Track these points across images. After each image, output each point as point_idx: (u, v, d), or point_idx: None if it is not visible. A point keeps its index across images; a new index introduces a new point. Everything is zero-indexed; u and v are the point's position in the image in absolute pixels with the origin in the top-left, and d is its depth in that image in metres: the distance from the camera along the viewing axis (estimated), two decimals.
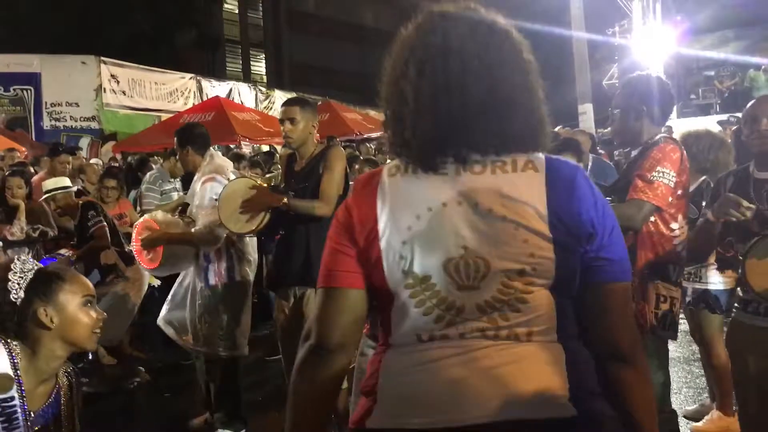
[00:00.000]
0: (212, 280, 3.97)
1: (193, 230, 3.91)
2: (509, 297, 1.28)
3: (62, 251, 5.13)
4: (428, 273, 1.29)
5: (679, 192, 2.84)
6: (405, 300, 1.31)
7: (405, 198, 1.32)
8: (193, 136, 4.20)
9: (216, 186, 3.90)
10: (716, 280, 3.87)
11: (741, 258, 2.55)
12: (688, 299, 4.02)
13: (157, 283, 5.07)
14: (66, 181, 5.39)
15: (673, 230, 2.84)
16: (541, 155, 1.34)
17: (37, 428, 2.05)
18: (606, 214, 1.33)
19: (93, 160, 10.18)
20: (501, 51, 1.34)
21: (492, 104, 1.31)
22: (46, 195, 5.19)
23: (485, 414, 1.23)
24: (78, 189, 5.87)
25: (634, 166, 2.86)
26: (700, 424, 4.01)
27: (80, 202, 5.19)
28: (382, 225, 1.32)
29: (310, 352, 1.37)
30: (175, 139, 4.31)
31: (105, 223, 5.07)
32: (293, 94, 21.13)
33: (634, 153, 3.00)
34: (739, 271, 2.63)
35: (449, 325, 1.29)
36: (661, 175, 2.73)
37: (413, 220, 1.30)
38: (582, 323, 1.34)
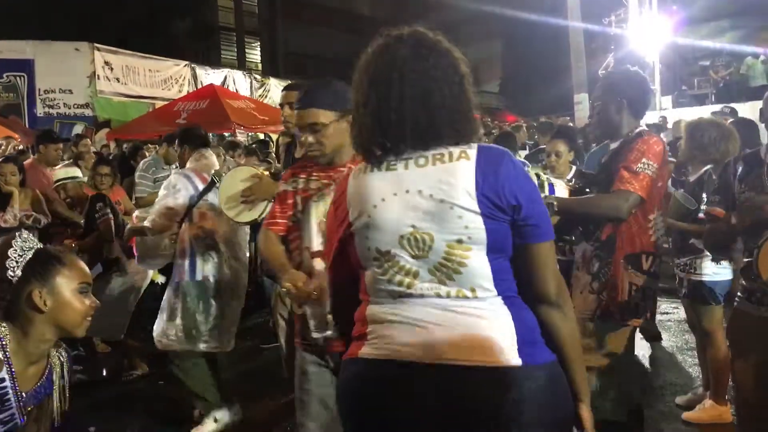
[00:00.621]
0: (199, 275, 3.98)
1: (146, 221, 4.01)
2: (452, 262, 1.62)
3: (67, 242, 5.13)
4: (388, 248, 1.66)
5: (659, 184, 2.88)
6: (374, 270, 1.70)
7: (364, 193, 1.70)
8: (191, 136, 4.36)
9: (182, 180, 4.01)
10: (710, 271, 3.88)
11: (754, 246, 2.57)
12: (683, 291, 4.03)
13: (161, 279, 5.07)
14: (77, 172, 5.47)
15: (649, 221, 2.88)
16: (474, 145, 1.67)
17: (29, 408, 2.05)
18: (528, 187, 1.65)
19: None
20: (436, 67, 1.69)
21: (425, 109, 1.66)
22: (57, 183, 5.20)
23: (448, 356, 1.57)
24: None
25: (616, 158, 2.88)
26: (692, 412, 4.04)
27: (90, 194, 5.25)
28: (351, 217, 1.71)
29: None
30: (176, 137, 4.46)
31: (111, 216, 5.09)
32: (288, 82, 21.02)
33: (613, 145, 2.98)
34: (748, 259, 2.65)
35: (410, 287, 1.65)
36: (645, 166, 2.77)
37: (371, 209, 1.68)
38: (518, 278, 1.67)
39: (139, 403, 4.48)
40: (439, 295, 1.63)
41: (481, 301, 1.61)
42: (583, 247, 2.92)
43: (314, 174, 2.62)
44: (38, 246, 2.05)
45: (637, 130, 2.94)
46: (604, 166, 2.98)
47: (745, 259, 2.79)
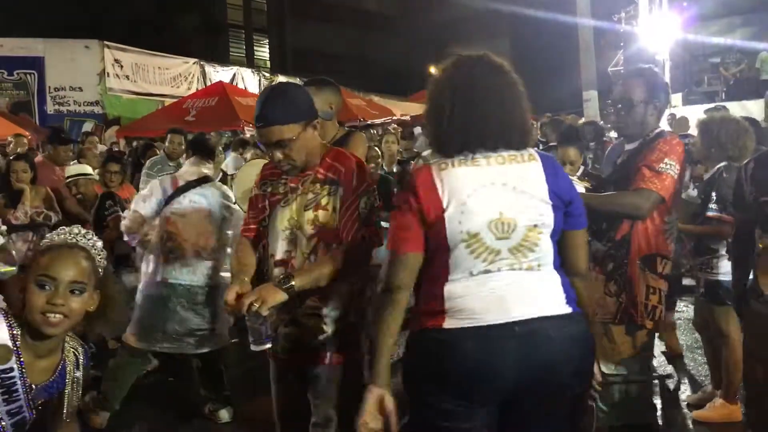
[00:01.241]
0: (159, 277, 4.05)
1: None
2: (529, 242, 1.98)
3: None
4: (477, 231, 1.96)
5: (678, 186, 2.85)
6: (462, 250, 1.97)
7: (458, 183, 1.98)
8: (199, 145, 4.54)
9: (156, 187, 4.15)
10: (727, 271, 3.79)
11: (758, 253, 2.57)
12: (701, 290, 3.99)
13: None
14: (88, 169, 5.53)
15: (666, 223, 2.85)
16: (534, 152, 2.06)
17: (40, 402, 2.04)
18: (574, 187, 2.12)
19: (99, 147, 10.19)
20: (505, 83, 2.07)
21: (499, 117, 2.01)
22: (69, 179, 5.24)
23: (519, 314, 1.93)
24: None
25: (635, 157, 2.83)
26: (703, 411, 4.02)
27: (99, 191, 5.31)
28: (445, 202, 1.97)
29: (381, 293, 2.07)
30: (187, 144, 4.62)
31: (121, 214, 5.12)
32: (296, 79, 21.08)
33: (630, 146, 2.94)
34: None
35: (491, 263, 1.96)
36: (668, 167, 2.73)
37: (465, 197, 1.96)
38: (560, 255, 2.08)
39: (148, 398, 4.50)
40: (512, 269, 1.97)
41: (544, 272, 2.01)
42: (594, 247, 2.82)
43: (283, 177, 2.55)
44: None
45: (657, 131, 2.90)
46: (621, 166, 2.92)
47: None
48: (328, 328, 2.47)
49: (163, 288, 4.04)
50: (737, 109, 9.51)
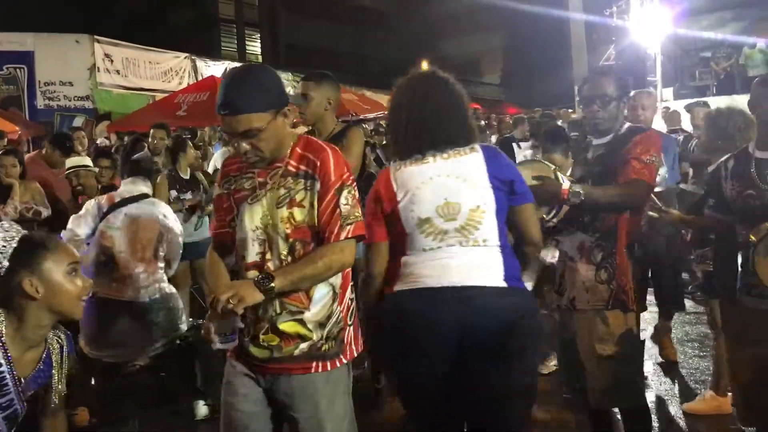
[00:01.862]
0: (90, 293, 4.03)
1: None
2: (473, 221, 2.36)
3: None
4: (428, 216, 2.38)
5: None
6: (416, 232, 2.39)
7: (409, 178, 2.42)
8: (135, 165, 4.54)
9: (93, 208, 4.13)
10: None
11: (751, 247, 2.58)
12: (697, 282, 4.01)
13: None
14: (88, 161, 5.44)
15: (643, 212, 3.01)
16: (476, 144, 2.46)
17: (30, 393, 2.05)
18: (515, 169, 2.51)
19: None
20: (446, 94, 2.50)
21: (443, 122, 2.45)
22: (69, 170, 5.22)
23: (459, 280, 2.32)
24: None
25: (615, 151, 2.91)
26: (692, 403, 4.05)
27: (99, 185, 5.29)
28: (399, 197, 2.41)
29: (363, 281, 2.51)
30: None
31: None
32: (289, 74, 20.98)
33: (599, 140, 3.00)
34: (746, 259, 2.65)
35: (441, 241, 2.37)
36: (653, 159, 2.87)
37: (415, 189, 2.40)
38: (512, 231, 2.46)
39: (139, 394, 4.49)
40: (460, 245, 2.36)
41: (487, 248, 2.36)
42: (579, 238, 2.92)
43: (248, 172, 2.30)
44: (22, 234, 2.04)
45: (627, 125, 3.02)
46: (598, 160, 2.97)
47: (743, 255, 2.78)
48: (313, 334, 2.27)
49: (95, 302, 3.97)
50: (728, 103, 9.53)
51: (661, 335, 5.13)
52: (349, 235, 2.24)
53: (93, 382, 4.22)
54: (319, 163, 2.25)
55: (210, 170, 7.72)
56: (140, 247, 4.09)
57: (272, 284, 2.15)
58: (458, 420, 2.44)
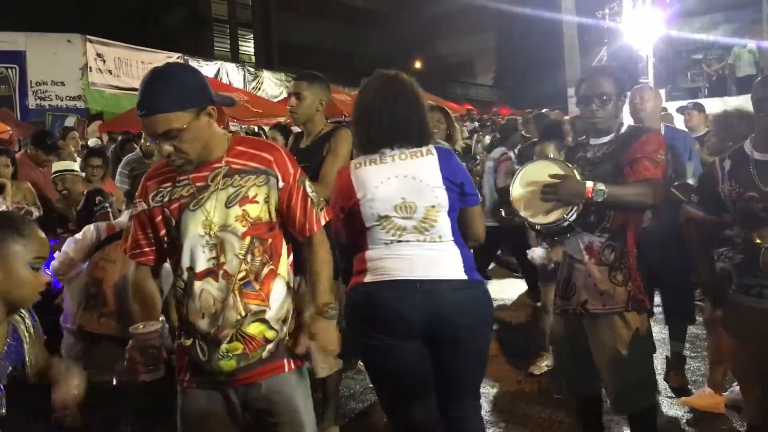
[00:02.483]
0: (68, 322, 3.98)
1: None
2: (429, 219, 2.57)
3: (65, 235, 5.08)
4: (386, 213, 2.56)
5: None
6: (376, 229, 2.59)
7: (367, 178, 2.59)
8: (132, 195, 4.48)
9: (91, 231, 4.06)
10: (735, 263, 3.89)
11: (761, 249, 2.59)
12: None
13: None
14: (75, 165, 5.43)
15: (645, 211, 3.05)
16: (432, 146, 2.66)
17: (8, 371, 2.00)
18: (466, 172, 2.71)
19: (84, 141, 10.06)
20: (405, 94, 2.66)
21: (403, 122, 2.62)
22: (55, 174, 5.18)
23: (424, 274, 2.52)
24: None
25: (622, 150, 2.89)
26: (690, 397, 4.07)
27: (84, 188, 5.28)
28: (359, 195, 2.59)
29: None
30: None
31: (110, 211, 5.10)
32: (282, 75, 20.95)
33: (599, 140, 2.98)
34: (750, 260, 2.66)
35: (400, 237, 2.56)
36: (662, 158, 2.87)
37: (374, 189, 2.57)
38: (461, 230, 2.66)
39: (131, 395, 4.47)
40: (419, 241, 2.57)
41: (444, 243, 2.59)
42: (587, 240, 2.89)
43: (182, 178, 2.18)
44: (1, 211, 2.00)
45: (628, 125, 3.01)
46: (602, 160, 2.94)
47: (740, 255, 2.78)
48: (278, 333, 2.21)
49: (79, 335, 3.93)
50: (720, 105, 9.59)
51: (673, 363, 4.48)
52: (324, 220, 2.31)
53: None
54: (272, 159, 2.21)
55: None
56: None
57: (331, 308, 2.30)
58: (429, 403, 2.64)
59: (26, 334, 2.08)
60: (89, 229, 4.14)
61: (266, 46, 30.61)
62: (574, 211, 2.78)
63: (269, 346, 2.19)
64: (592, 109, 2.92)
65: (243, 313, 2.15)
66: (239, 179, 2.17)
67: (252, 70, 19.90)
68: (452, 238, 2.60)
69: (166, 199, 2.20)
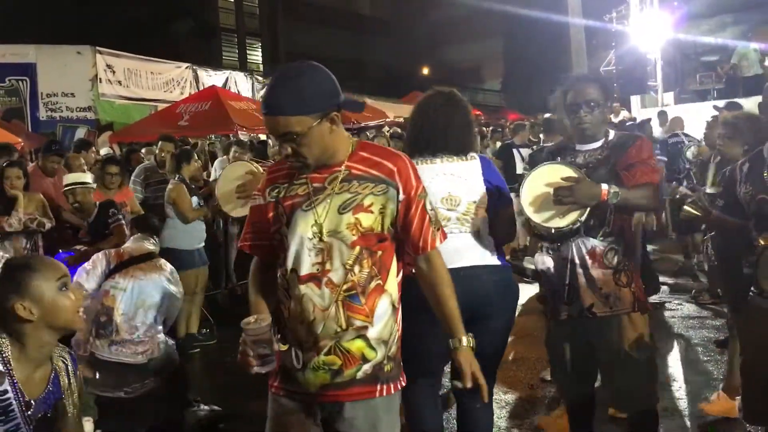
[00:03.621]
0: (81, 349, 4.01)
1: None
2: (469, 213, 2.93)
3: (78, 246, 5.12)
4: (435, 205, 2.49)
5: None
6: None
7: (423, 174, 2.34)
8: (140, 221, 4.75)
9: (101, 260, 4.18)
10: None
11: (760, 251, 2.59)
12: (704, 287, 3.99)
13: None
14: (87, 177, 5.45)
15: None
16: (475, 153, 3.05)
17: (40, 415, 2.02)
18: (500, 177, 3.07)
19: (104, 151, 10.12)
20: (456, 110, 3.06)
21: (453, 135, 3.00)
22: (67, 188, 5.24)
23: (465, 262, 2.84)
24: None
25: (616, 156, 2.94)
26: (706, 403, 4.07)
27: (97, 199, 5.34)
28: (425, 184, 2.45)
29: None
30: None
31: (123, 222, 5.15)
32: None
33: (584, 147, 3.01)
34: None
35: (445, 227, 2.49)
36: (656, 163, 3.01)
37: (428, 182, 2.52)
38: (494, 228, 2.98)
39: (143, 405, 4.48)
40: (460, 231, 2.90)
41: (481, 235, 2.93)
42: (590, 244, 2.92)
43: (301, 177, 2.14)
44: (4, 259, 2.04)
45: (615, 131, 3.06)
46: (601, 163, 2.96)
47: (755, 258, 2.78)
48: (377, 354, 2.10)
49: (92, 361, 3.99)
50: (750, 106, 9.55)
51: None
52: (440, 241, 2.21)
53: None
54: (396, 170, 2.12)
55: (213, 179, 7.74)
56: (142, 312, 4.09)
57: (467, 339, 2.22)
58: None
59: (65, 386, 2.11)
60: (98, 258, 4.19)
61: (274, 55, 30.73)
62: (587, 213, 2.80)
63: (365, 367, 2.09)
64: (580, 115, 2.95)
65: (344, 326, 2.06)
66: (357, 186, 2.10)
67: (260, 78, 19.93)
68: (487, 231, 2.93)
69: (281, 195, 2.15)
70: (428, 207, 2.18)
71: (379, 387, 2.10)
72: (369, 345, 2.07)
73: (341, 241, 2.07)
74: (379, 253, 2.10)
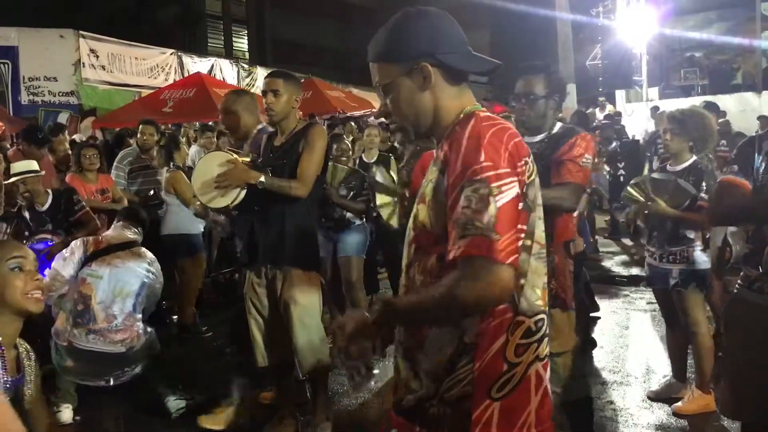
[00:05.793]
0: (61, 339, 4.02)
1: None
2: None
3: (48, 237, 4.93)
4: None
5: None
6: None
7: None
8: (127, 212, 4.73)
9: (79, 247, 4.18)
10: (702, 260, 3.94)
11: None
12: (675, 281, 3.99)
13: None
14: (34, 165, 5.22)
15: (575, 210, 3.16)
16: None
17: (10, 397, 1.99)
18: None
19: (75, 136, 10.05)
20: None
21: None
22: (15, 178, 5.04)
23: None
24: None
25: (550, 151, 2.96)
26: (680, 404, 4.07)
27: (53, 187, 5.22)
28: None
29: None
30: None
31: (88, 208, 5.07)
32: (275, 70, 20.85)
33: (531, 139, 3.01)
34: (751, 246, 2.66)
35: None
36: (587, 162, 2.96)
37: None
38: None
39: (122, 392, 4.46)
40: None
41: None
42: None
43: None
44: None
45: (560, 126, 3.08)
46: (537, 158, 2.98)
47: (749, 245, 2.77)
48: (422, 387, 1.65)
49: (71, 350, 3.98)
50: (732, 102, 9.61)
51: None
52: (459, 253, 1.50)
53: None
54: (448, 147, 1.63)
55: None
56: (120, 301, 4.06)
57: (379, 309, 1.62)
58: None
59: (30, 369, 2.12)
60: (77, 245, 4.15)
61: (260, 43, 30.50)
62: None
63: (409, 397, 1.67)
64: (521, 106, 3.00)
65: (401, 338, 1.71)
66: (432, 169, 1.69)
67: (246, 66, 19.80)
68: None
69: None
70: (463, 202, 1.58)
71: (418, 429, 1.67)
72: (414, 373, 1.68)
73: (407, 236, 1.80)
74: (433, 257, 1.69)
